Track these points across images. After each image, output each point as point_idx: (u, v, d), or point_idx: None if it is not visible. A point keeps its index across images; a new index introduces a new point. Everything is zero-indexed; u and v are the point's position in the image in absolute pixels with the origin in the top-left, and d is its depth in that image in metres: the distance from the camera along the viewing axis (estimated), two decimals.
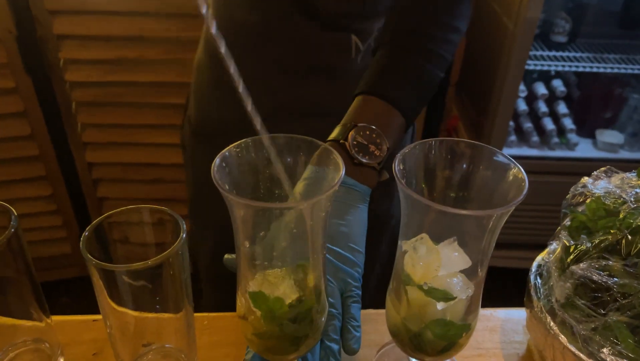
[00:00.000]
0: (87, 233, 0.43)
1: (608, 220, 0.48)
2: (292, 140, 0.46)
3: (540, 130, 1.80)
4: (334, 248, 0.55)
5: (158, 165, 1.63)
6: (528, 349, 0.58)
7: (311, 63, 0.77)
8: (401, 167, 0.43)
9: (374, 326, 0.59)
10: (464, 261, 0.44)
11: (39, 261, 1.74)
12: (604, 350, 0.45)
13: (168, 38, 1.44)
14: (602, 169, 0.52)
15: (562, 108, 1.80)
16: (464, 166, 0.44)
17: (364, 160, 0.60)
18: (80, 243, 0.43)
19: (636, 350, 0.45)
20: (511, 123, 1.78)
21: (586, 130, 1.84)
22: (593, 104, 1.86)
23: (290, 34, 0.75)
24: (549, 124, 1.78)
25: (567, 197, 0.52)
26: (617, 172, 0.51)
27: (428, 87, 0.68)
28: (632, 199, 0.47)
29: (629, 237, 0.45)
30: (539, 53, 1.76)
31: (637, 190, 0.47)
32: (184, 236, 0.44)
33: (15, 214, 0.46)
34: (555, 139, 1.79)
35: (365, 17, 0.74)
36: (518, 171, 0.42)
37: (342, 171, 0.41)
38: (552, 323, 0.48)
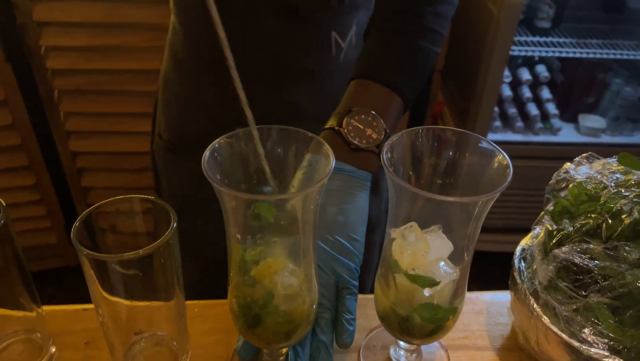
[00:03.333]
0: (77, 224, 0.44)
1: (589, 205, 0.50)
2: (286, 132, 0.46)
3: (524, 115, 1.82)
4: (331, 237, 0.54)
5: (142, 153, 1.62)
6: (512, 330, 0.59)
7: (290, 66, 0.72)
8: (389, 156, 0.43)
9: (363, 311, 0.60)
10: (448, 247, 0.45)
11: (23, 252, 1.73)
12: (585, 330, 0.47)
13: (151, 24, 1.43)
14: (584, 155, 0.53)
15: (545, 93, 1.82)
16: (450, 153, 0.45)
17: (361, 145, 0.59)
18: (72, 233, 0.43)
19: (617, 329, 0.46)
20: (496, 109, 1.80)
21: (569, 115, 1.87)
22: (576, 89, 1.88)
23: (265, 36, 0.71)
24: (533, 109, 1.80)
25: (550, 182, 0.53)
26: (599, 158, 0.53)
27: (424, 65, 0.66)
28: (612, 184, 0.48)
29: (610, 221, 0.46)
30: (523, 39, 1.77)
31: (618, 175, 0.48)
32: (175, 225, 0.45)
33: (4, 204, 0.46)
34: (539, 124, 1.81)
35: (343, 11, 0.71)
36: (503, 158, 0.43)
37: (332, 164, 0.41)
38: (535, 305, 0.50)
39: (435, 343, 0.58)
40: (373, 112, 0.60)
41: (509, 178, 0.41)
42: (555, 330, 0.48)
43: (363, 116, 0.59)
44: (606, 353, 0.46)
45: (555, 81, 1.89)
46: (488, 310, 0.62)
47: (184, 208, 0.63)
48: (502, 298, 0.63)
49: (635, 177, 0.48)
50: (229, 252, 0.46)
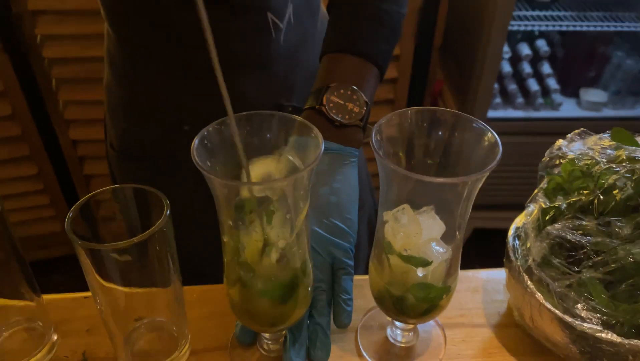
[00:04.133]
0: (71, 214, 0.44)
1: (582, 181, 0.50)
2: (269, 116, 0.46)
3: (524, 91, 1.81)
4: (326, 220, 0.54)
5: None
6: (508, 307, 0.60)
7: (230, 56, 0.67)
8: (378, 138, 0.43)
9: (360, 292, 0.60)
10: (440, 227, 0.45)
11: (29, 241, 1.75)
12: (578, 305, 0.47)
13: None
14: (577, 131, 0.53)
15: (546, 68, 1.81)
16: (440, 133, 0.45)
17: (344, 121, 0.58)
18: (65, 223, 0.43)
19: (609, 304, 0.47)
20: (496, 85, 1.79)
21: (570, 89, 1.85)
22: (577, 63, 1.86)
23: (196, 26, 0.66)
24: (533, 85, 1.79)
25: (543, 160, 0.53)
26: (591, 135, 0.52)
27: (391, 28, 0.65)
28: (604, 160, 0.48)
29: (601, 197, 0.46)
30: (522, 13, 1.75)
31: (609, 151, 0.48)
32: (168, 212, 0.45)
33: None
34: (540, 100, 1.80)
35: None
36: (492, 137, 0.43)
37: (321, 150, 0.41)
38: (529, 282, 0.50)
39: (432, 322, 0.58)
40: (352, 85, 0.59)
41: (498, 156, 0.41)
42: (549, 306, 0.48)
43: (342, 91, 0.58)
44: (599, 328, 0.46)
45: (556, 55, 1.87)
46: (484, 288, 0.62)
47: None
48: (499, 275, 0.63)
49: (626, 152, 0.48)
50: (222, 239, 0.46)
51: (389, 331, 0.57)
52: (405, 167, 0.47)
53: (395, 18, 0.65)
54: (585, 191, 0.48)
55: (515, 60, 1.82)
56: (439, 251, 0.45)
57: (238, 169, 0.43)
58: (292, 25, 0.69)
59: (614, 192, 0.45)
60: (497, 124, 1.78)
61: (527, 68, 1.80)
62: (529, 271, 0.51)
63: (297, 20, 0.70)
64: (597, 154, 0.49)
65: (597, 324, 0.47)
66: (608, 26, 1.73)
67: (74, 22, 1.43)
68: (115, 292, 0.47)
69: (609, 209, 0.46)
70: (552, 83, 1.80)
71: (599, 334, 0.46)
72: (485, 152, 0.43)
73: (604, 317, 0.46)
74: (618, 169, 0.46)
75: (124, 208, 0.48)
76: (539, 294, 0.49)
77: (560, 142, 0.53)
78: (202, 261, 0.71)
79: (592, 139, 0.51)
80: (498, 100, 1.82)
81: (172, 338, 0.54)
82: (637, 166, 0.46)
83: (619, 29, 1.73)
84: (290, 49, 0.70)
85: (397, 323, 0.55)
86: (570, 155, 0.50)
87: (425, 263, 0.45)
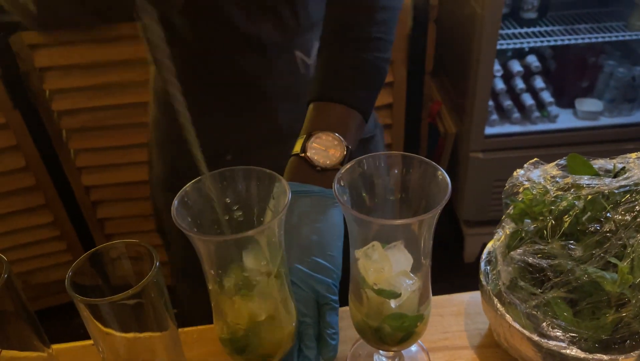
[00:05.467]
0: (70, 273, 0.49)
1: (541, 207, 0.53)
2: (250, 171, 0.50)
3: (520, 106, 1.84)
4: (306, 258, 0.58)
5: None
6: (489, 328, 0.63)
7: (263, 92, 0.77)
8: (341, 184, 0.48)
9: (348, 322, 0.64)
10: (409, 260, 0.49)
11: (48, 286, 1.81)
12: (544, 324, 0.50)
13: (145, 60, 1.48)
14: (531, 161, 0.57)
15: (538, 83, 1.84)
16: (396, 172, 0.49)
17: (325, 165, 0.62)
18: (66, 282, 0.48)
19: (572, 321, 0.50)
20: (491, 103, 1.82)
21: (565, 101, 1.88)
22: (570, 74, 1.89)
23: (238, 69, 0.76)
24: (528, 99, 1.82)
25: (505, 188, 0.57)
26: (543, 164, 0.56)
27: (374, 75, 0.69)
28: (554, 188, 0.52)
29: (553, 222, 0.49)
30: (510, 31, 1.79)
31: (558, 179, 0.52)
32: (157, 263, 0.49)
33: (5, 259, 0.51)
34: (536, 113, 1.83)
35: (303, 31, 0.76)
36: (441, 174, 0.47)
37: (288, 197, 0.45)
38: (498, 305, 0.53)
39: (416, 347, 0.62)
40: (333, 133, 0.63)
41: (449, 192, 0.45)
42: (517, 326, 0.52)
43: (324, 137, 0.63)
44: (564, 345, 0.49)
45: (549, 68, 1.90)
46: (467, 310, 0.65)
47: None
48: (480, 297, 0.66)
49: (572, 180, 0.51)
50: (208, 285, 0.50)
51: (375, 358, 0.60)
52: (368, 205, 0.51)
53: (377, 65, 0.69)
54: (540, 218, 0.51)
55: (507, 77, 1.86)
56: (407, 283, 0.49)
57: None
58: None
59: (564, 217, 0.49)
60: (496, 140, 1.81)
61: (520, 84, 1.83)
62: (499, 295, 0.54)
63: None
64: (548, 182, 0.52)
65: (563, 341, 0.50)
66: (597, 37, 1.76)
67: (79, 76, 1.51)
68: (115, 339, 0.51)
69: (560, 233, 0.49)
70: (547, 96, 1.83)
71: (565, 350, 0.49)
72: (437, 187, 0.47)
73: (568, 334, 0.49)
74: (566, 196, 0.50)
75: (122, 261, 0.53)
76: (508, 315, 0.53)
77: (517, 172, 0.56)
78: None
79: (544, 168, 0.55)
80: (495, 117, 1.85)
81: None
82: (582, 192, 0.49)
83: (607, 39, 1.75)
84: None
85: (381, 352, 0.59)
86: (526, 184, 0.54)
87: (395, 295, 0.49)
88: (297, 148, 0.65)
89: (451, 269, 1.90)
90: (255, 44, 0.74)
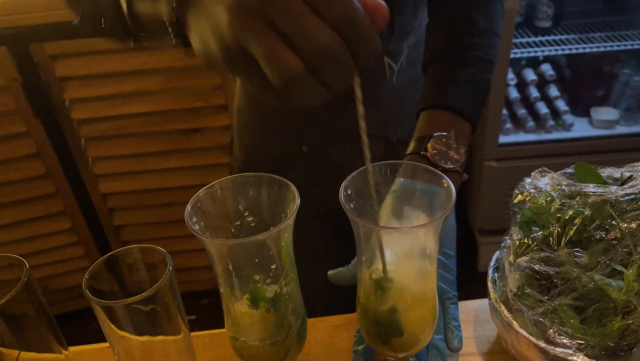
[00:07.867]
0: (87, 276, 0.51)
1: (549, 215, 0.54)
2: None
3: (534, 115, 1.84)
4: None
5: (167, 189, 1.71)
6: (497, 335, 0.63)
7: (344, 92, 0.79)
8: (348, 193, 0.49)
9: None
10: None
11: (66, 292, 1.84)
12: (551, 331, 0.51)
13: (162, 69, 1.52)
14: (538, 170, 0.58)
15: (553, 91, 1.83)
16: (402, 180, 0.50)
17: (447, 166, 0.64)
18: (83, 285, 0.50)
19: (579, 328, 0.50)
20: (505, 111, 1.82)
21: (581, 109, 1.87)
22: (585, 83, 1.88)
23: None
24: (542, 108, 1.82)
25: (512, 197, 0.57)
26: (550, 172, 0.57)
27: (484, 92, 0.73)
28: (560, 196, 0.52)
29: (559, 230, 0.50)
30: (524, 40, 1.80)
31: (565, 187, 0.52)
32: (170, 268, 0.51)
33: (26, 263, 0.53)
34: (551, 122, 1.82)
35: (395, 39, 0.78)
36: (446, 182, 0.47)
37: (453, 199, 0.45)
38: (505, 312, 0.54)
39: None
40: (452, 135, 0.65)
41: (453, 199, 0.46)
42: (524, 333, 0.52)
43: (444, 140, 0.65)
44: (570, 351, 0.50)
45: (564, 77, 1.89)
46: (475, 318, 0.66)
47: None
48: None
49: (578, 188, 0.52)
50: (219, 289, 0.52)
51: None
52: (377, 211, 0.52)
53: (486, 84, 0.73)
54: (547, 225, 0.52)
55: (522, 85, 1.85)
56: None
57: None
58: (404, 67, 0.80)
59: (569, 225, 0.49)
60: (509, 149, 1.81)
61: (534, 92, 1.83)
62: (506, 302, 0.55)
63: (409, 62, 0.80)
64: (555, 190, 0.53)
65: (570, 348, 0.50)
66: (612, 46, 1.75)
67: (98, 85, 1.54)
68: (130, 341, 0.53)
69: (567, 240, 0.50)
70: (561, 105, 1.82)
71: (572, 358, 0.50)
72: (443, 194, 0.48)
73: (575, 341, 0.50)
74: (573, 204, 0.50)
75: (135, 267, 0.55)
76: (514, 322, 0.53)
77: (524, 180, 0.57)
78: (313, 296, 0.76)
79: (552, 176, 0.55)
80: (509, 125, 1.84)
81: None
82: (589, 200, 0.50)
83: (623, 47, 1.75)
84: (401, 88, 0.79)
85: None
86: (533, 192, 0.54)
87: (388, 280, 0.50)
88: (414, 148, 0.67)
89: (465, 278, 1.89)
90: None
